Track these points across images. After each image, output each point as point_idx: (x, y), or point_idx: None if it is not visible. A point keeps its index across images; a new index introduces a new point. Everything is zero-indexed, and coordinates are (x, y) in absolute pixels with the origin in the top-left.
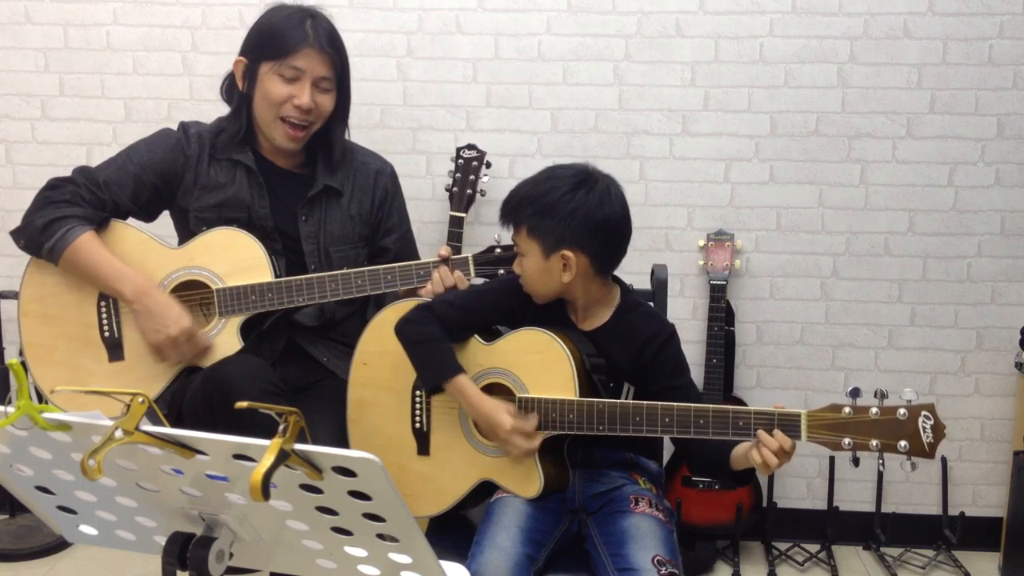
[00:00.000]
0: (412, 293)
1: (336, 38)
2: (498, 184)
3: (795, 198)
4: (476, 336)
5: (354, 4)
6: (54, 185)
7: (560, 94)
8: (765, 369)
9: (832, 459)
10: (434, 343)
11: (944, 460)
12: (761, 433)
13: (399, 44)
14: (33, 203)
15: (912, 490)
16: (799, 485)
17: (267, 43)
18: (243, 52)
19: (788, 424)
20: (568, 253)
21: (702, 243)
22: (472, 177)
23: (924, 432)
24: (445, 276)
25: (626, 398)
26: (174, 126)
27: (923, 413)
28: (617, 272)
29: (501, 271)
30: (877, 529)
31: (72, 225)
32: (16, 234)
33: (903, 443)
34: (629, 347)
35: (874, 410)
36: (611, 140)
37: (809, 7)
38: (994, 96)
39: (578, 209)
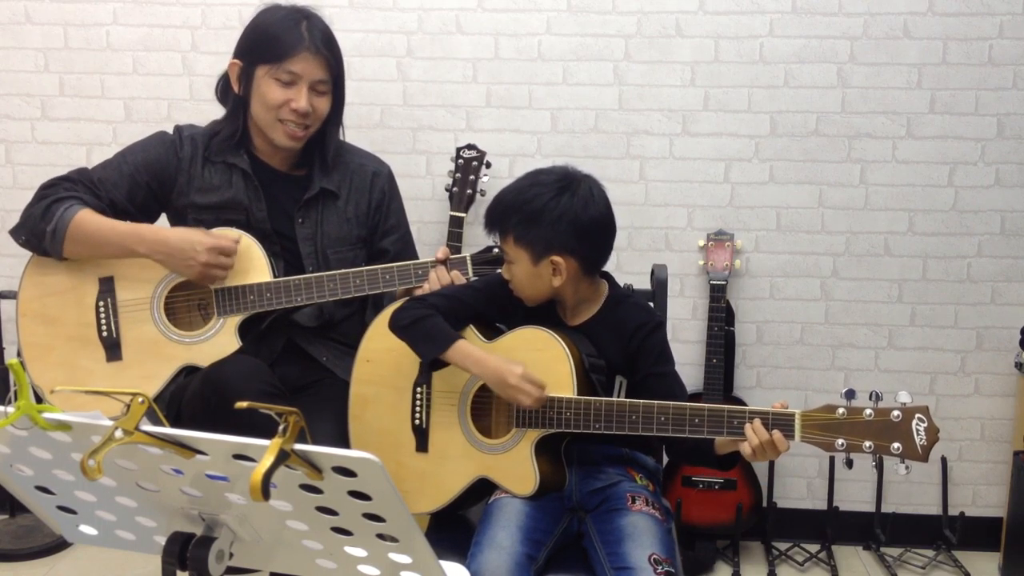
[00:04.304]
0: (409, 293)
1: (332, 39)
2: (498, 184)
3: (795, 198)
4: (477, 334)
5: (354, 4)
6: (50, 184)
7: (560, 94)
8: (765, 369)
9: (832, 459)
10: (427, 319)
11: (944, 460)
12: (751, 427)
13: (399, 44)
14: (30, 201)
15: (912, 490)
16: (799, 485)
17: (262, 46)
18: (238, 54)
19: (782, 424)
20: (557, 259)
21: (702, 243)
22: (472, 177)
23: (918, 434)
24: (442, 276)
25: (619, 393)
26: (174, 126)
27: (917, 415)
28: (617, 272)
29: (499, 271)
30: (877, 529)
31: (71, 204)
32: (16, 230)
33: (896, 445)
34: (619, 337)
35: (868, 411)
36: (611, 140)
37: (809, 7)
38: (994, 96)
39: (564, 215)
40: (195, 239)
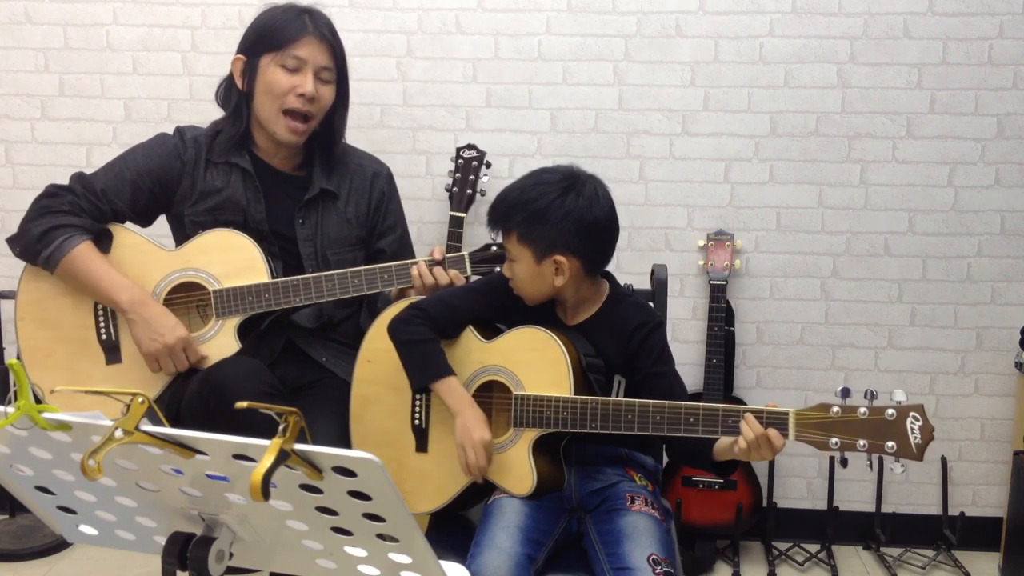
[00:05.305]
0: (404, 294)
1: (334, 30)
2: (498, 184)
3: (795, 198)
4: (475, 334)
5: (354, 4)
6: (52, 193)
7: (560, 94)
8: (765, 369)
9: (832, 459)
10: (425, 344)
11: (944, 460)
12: (745, 422)
13: (399, 44)
14: (30, 211)
15: (912, 490)
16: (799, 485)
17: (266, 37)
18: (241, 51)
19: (777, 422)
20: (560, 258)
21: (702, 243)
22: (472, 177)
23: (912, 433)
24: (441, 276)
25: (618, 393)
26: (174, 126)
27: (911, 414)
28: (618, 272)
29: (497, 268)
30: (877, 529)
31: (70, 234)
32: (12, 241)
33: (891, 444)
34: (618, 336)
35: (862, 410)
36: (611, 140)
37: (809, 7)
38: (994, 96)
39: (569, 214)
40: (172, 323)
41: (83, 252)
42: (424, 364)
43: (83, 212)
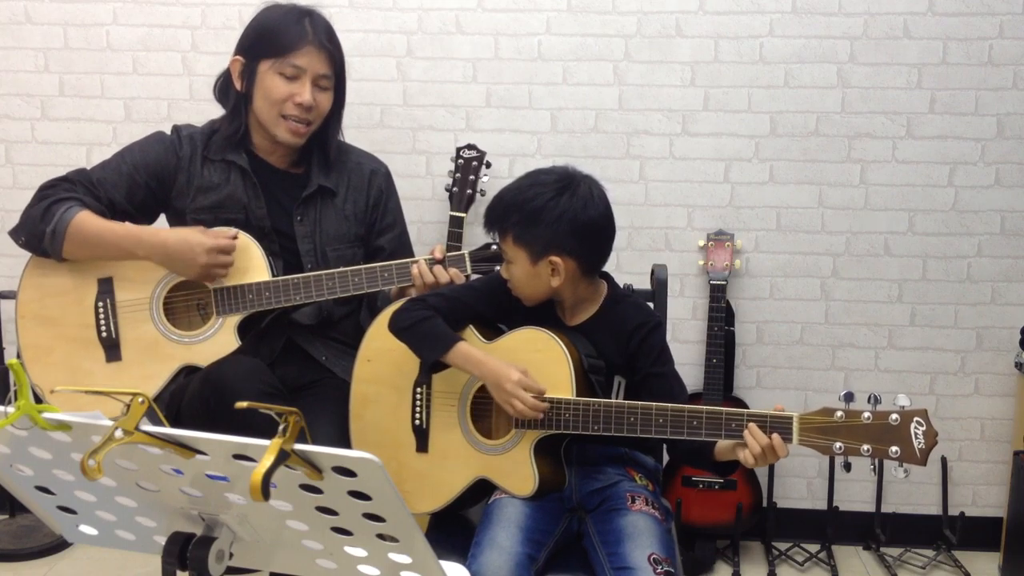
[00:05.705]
0: (404, 293)
1: (333, 35)
2: (498, 184)
3: (795, 198)
4: (476, 334)
5: (354, 4)
6: (49, 185)
7: (560, 94)
8: (765, 369)
9: (832, 459)
10: (427, 321)
11: (944, 460)
12: (750, 432)
13: (399, 44)
14: (29, 202)
15: (912, 490)
16: (799, 485)
17: (266, 41)
18: (240, 51)
19: (780, 427)
20: (556, 259)
21: (702, 243)
22: (472, 177)
23: (916, 438)
24: (440, 274)
25: (617, 393)
26: (172, 126)
27: (915, 419)
28: (618, 272)
29: (497, 268)
30: (877, 529)
31: (71, 205)
32: (16, 231)
33: (894, 449)
34: (618, 337)
35: (866, 415)
36: (611, 140)
37: (809, 7)
38: (994, 96)
39: (563, 215)
40: (194, 240)
41: (87, 217)
42: (433, 338)
43: (80, 194)
